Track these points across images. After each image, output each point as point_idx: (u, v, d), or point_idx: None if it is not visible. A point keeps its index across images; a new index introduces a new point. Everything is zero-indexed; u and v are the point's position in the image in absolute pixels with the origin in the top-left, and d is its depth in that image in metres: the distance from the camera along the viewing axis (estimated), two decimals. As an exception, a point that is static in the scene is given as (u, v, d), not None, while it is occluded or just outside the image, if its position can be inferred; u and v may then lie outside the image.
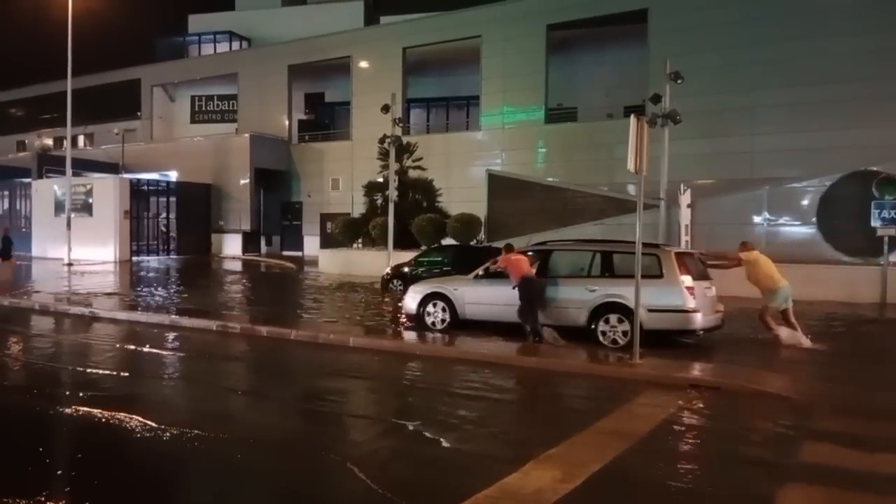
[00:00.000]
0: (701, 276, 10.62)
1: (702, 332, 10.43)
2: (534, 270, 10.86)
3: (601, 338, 10.31)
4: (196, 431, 6.18)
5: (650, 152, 9.21)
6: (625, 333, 10.06)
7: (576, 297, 10.60)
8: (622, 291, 10.08)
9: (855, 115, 21.98)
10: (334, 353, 10.39)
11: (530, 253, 11.45)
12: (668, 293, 10.04)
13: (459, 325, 11.58)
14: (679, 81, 17.98)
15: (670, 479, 5.27)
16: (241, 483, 5.25)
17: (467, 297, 11.59)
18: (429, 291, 12.03)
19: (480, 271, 11.73)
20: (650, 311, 9.88)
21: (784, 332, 10.75)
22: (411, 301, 12.18)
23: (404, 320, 12.50)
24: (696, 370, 8.91)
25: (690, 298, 9.99)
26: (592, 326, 10.41)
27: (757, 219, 18.38)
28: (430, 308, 11.88)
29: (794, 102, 23.22)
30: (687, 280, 10.04)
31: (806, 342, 10.64)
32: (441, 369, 9.38)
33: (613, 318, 10.25)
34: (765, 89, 23.76)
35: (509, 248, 11.25)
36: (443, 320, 11.73)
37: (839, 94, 22.28)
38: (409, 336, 11.45)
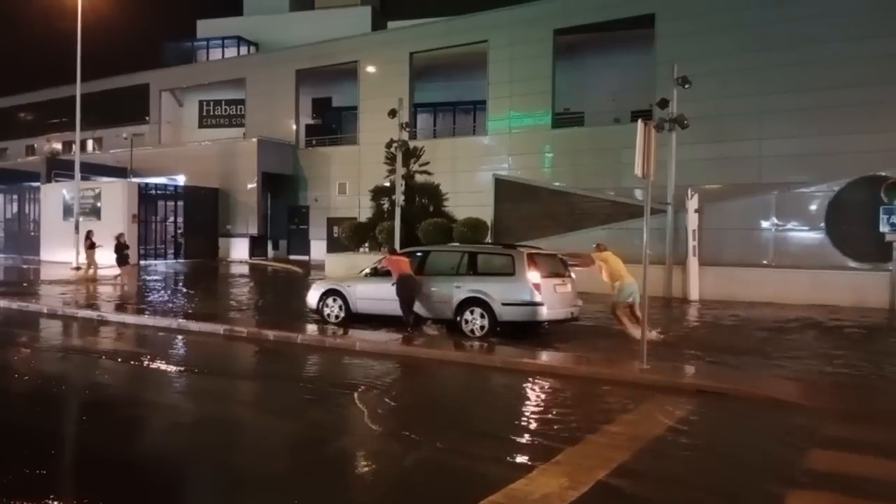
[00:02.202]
0: (553, 273, 11.71)
1: (547, 323, 11.67)
2: (411, 271, 12.00)
3: (465, 328, 11.49)
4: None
5: (657, 157, 9.20)
6: (482, 327, 11.36)
7: (445, 293, 11.83)
8: (483, 287, 11.47)
9: (863, 119, 21.90)
10: (339, 356, 10.41)
11: (419, 254, 12.83)
12: (519, 289, 11.25)
13: (353, 318, 12.68)
14: (686, 86, 17.98)
15: (678, 485, 5.25)
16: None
17: (358, 293, 12.80)
18: (326, 288, 13.23)
19: (369, 270, 13.14)
20: (504, 304, 11.24)
21: (629, 325, 11.49)
22: (312, 297, 13.34)
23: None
24: (704, 375, 8.89)
25: (537, 293, 11.14)
26: (458, 318, 11.61)
27: (765, 224, 18.28)
28: (329, 302, 12.98)
29: (803, 107, 23.15)
30: (535, 277, 11.19)
31: (651, 335, 11.11)
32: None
33: (475, 311, 11.46)
34: (773, 94, 23.69)
35: (392, 251, 12.83)
36: (338, 315, 12.85)
37: (847, 98, 22.21)
38: (405, 340, 11.43)
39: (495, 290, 11.36)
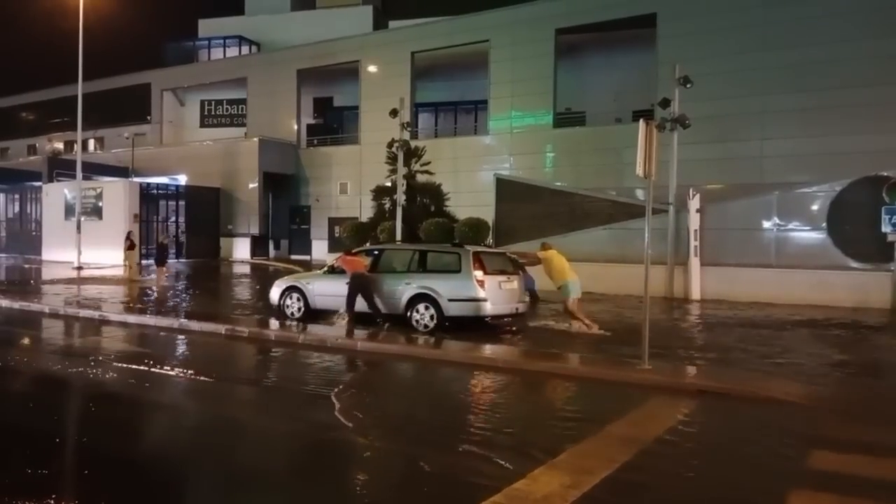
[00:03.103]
0: (498, 271, 12.22)
1: (490, 318, 12.13)
2: (366, 269, 12.57)
3: (414, 323, 11.99)
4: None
5: (659, 157, 9.19)
6: (429, 323, 11.82)
7: (396, 289, 12.32)
8: (431, 284, 11.96)
9: (865, 119, 21.87)
10: (343, 356, 10.44)
11: (375, 252, 13.44)
12: (464, 285, 11.74)
13: (311, 314, 13.15)
14: (688, 86, 17.97)
15: (679, 486, 5.24)
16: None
17: (316, 290, 13.30)
18: (287, 285, 13.73)
19: (327, 268, 13.77)
20: (450, 300, 11.74)
21: (583, 319, 12.25)
22: (274, 294, 13.82)
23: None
24: (705, 376, 8.87)
25: (481, 290, 11.66)
26: (408, 314, 12.10)
27: (766, 224, 18.24)
28: (292, 296, 13.47)
29: (805, 107, 23.12)
30: (479, 274, 11.68)
31: (594, 329, 12.04)
32: (460, 374, 9.40)
33: (423, 306, 11.95)
34: (774, 94, 23.67)
35: (348, 251, 13.35)
36: (297, 310, 13.34)
37: (849, 98, 22.17)
38: (402, 340, 11.42)
39: (442, 287, 11.83)
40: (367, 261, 13.00)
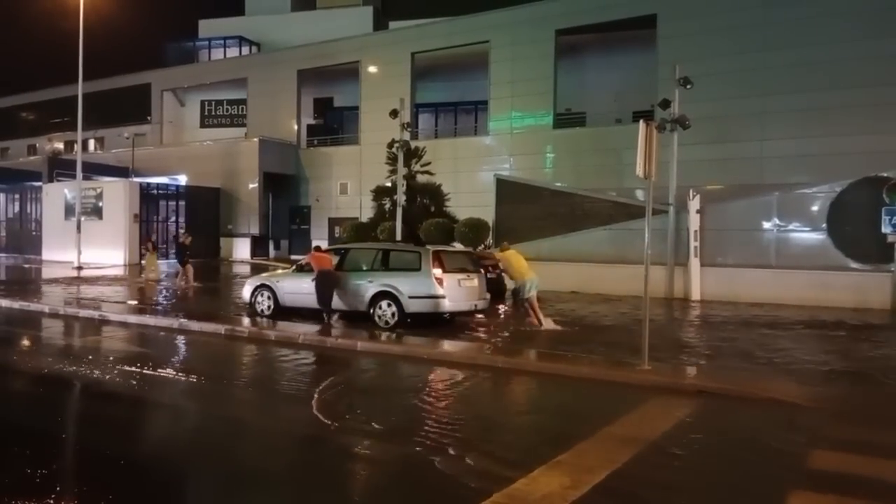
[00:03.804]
0: (459, 269, 12.66)
1: (448, 315, 12.61)
2: (332, 267, 12.92)
3: (377, 320, 12.35)
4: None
5: (659, 157, 9.19)
6: (391, 319, 12.20)
7: (361, 287, 12.71)
8: (392, 282, 12.40)
9: (865, 120, 21.89)
10: (344, 356, 10.45)
11: (342, 251, 13.82)
12: (423, 283, 12.15)
13: (281, 311, 13.49)
14: (688, 87, 17.98)
15: (679, 486, 5.25)
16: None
17: (285, 288, 13.66)
18: (258, 284, 14.10)
19: (295, 267, 14.21)
20: (410, 297, 12.15)
21: (539, 317, 12.70)
22: (246, 292, 14.27)
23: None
24: (705, 376, 8.88)
25: (439, 287, 12.07)
26: (371, 311, 12.47)
27: (766, 224, 18.24)
28: (263, 294, 13.80)
29: (805, 108, 23.14)
30: (437, 272, 12.08)
31: (548, 325, 12.59)
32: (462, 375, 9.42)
33: (385, 303, 12.34)
34: (775, 94, 23.69)
35: (317, 249, 13.62)
36: (269, 307, 13.64)
37: (850, 99, 22.20)
38: (416, 341, 11.42)
39: (403, 284, 12.27)
40: (335, 259, 13.35)
